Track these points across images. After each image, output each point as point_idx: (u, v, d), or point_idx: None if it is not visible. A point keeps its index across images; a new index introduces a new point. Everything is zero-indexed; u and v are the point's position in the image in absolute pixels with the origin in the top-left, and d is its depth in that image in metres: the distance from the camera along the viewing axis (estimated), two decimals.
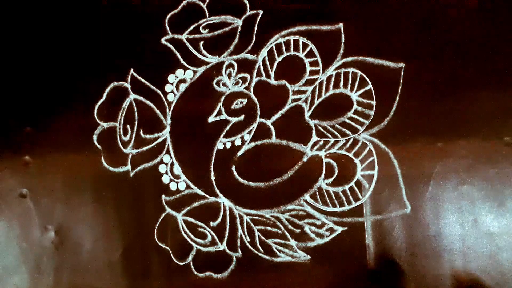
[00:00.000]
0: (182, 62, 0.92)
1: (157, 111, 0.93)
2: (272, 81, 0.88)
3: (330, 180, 0.84)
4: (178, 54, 0.92)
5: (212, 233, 0.89)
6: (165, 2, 0.93)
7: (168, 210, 0.91)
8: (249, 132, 0.88)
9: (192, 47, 0.92)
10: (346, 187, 0.84)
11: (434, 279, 0.80)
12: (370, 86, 0.84)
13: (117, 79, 0.95)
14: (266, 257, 0.87)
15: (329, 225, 0.84)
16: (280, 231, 0.86)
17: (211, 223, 0.89)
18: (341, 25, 0.86)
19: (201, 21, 0.92)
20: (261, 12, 0.89)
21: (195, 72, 0.92)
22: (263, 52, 0.89)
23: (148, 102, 0.94)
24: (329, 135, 0.85)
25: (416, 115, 0.82)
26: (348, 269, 0.83)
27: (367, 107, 0.84)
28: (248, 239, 0.87)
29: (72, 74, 0.98)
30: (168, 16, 0.93)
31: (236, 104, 0.89)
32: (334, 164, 0.84)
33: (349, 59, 0.85)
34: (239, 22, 0.90)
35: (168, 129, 0.93)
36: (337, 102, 0.85)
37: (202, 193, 0.90)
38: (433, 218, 0.81)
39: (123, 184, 0.93)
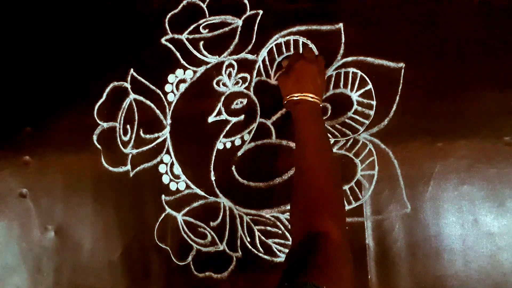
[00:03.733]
0: (182, 62, 0.92)
1: (157, 111, 0.93)
2: (272, 81, 0.88)
3: None
4: (178, 54, 0.92)
5: (212, 233, 0.89)
6: (165, 2, 0.93)
7: (168, 210, 0.91)
8: (249, 132, 0.88)
9: (192, 47, 0.92)
10: (346, 187, 0.83)
11: (434, 279, 0.80)
12: (370, 86, 0.84)
13: (117, 79, 0.95)
14: (266, 257, 0.87)
15: None
16: (280, 231, 0.86)
17: (211, 223, 0.89)
18: (341, 25, 0.86)
19: (201, 21, 0.92)
20: (261, 12, 0.89)
21: (195, 72, 0.92)
22: (263, 52, 0.89)
23: (148, 102, 0.94)
24: (329, 135, 0.85)
25: (416, 115, 0.82)
26: None
27: (367, 107, 0.84)
28: (248, 239, 0.87)
29: (72, 74, 0.98)
30: (168, 16, 0.93)
31: (236, 104, 0.89)
32: None
33: (349, 59, 0.85)
34: (239, 22, 0.90)
35: (168, 129, 0.93)
36: (337, 102, 0.85)
37: (202, 193, 0.90)
38: (433, 218, 0.81)
39: (123, 184, 0.93)
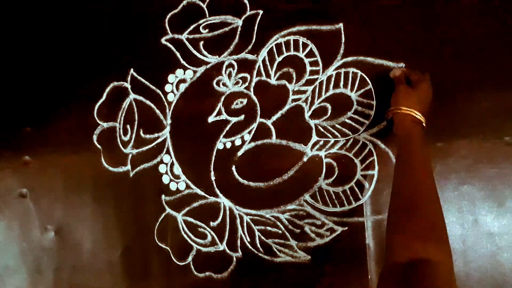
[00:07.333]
0: (182, 62, 0.92)
1: (157, 111, 0.93)
2: (272, 81, 0.88)
3: (330, 180, 0.84)
4: (178, 54, 0.92)
5: (212, 233, 0.89)
6: (165, 2, 0.93)
7: (168, 210, 0.91)
8: (249, 132, 0.88)
9: (192, 47, 0.92)
10: (346, 187, 0.84)
11: None
12: (370, 86, 0.84)
13: (117, 79, 0.95)
14: (266, 257, 0.87)
15: (329, 225, 0.84)
16: (280, 231, 0.86)
17: (211, 223, 0.89)
18: (341, 25, 0.86)
19: (201, 21, 0.92)
20: (261, 12, 0.89)
21: (195, 72, 0.92)
22: (263, 52, 0.89)
23: (148, 102, 0.94)
24: (329, 135, 0.85)
25: None
26: (348, 269, 0.83)
27: (367, 107, 0.84)
28: (248, 239, 0.87)
29: (72, 74, 0.98)
30: (168, 16, 0.93)
31: (236, 104, 0.89)
32: (334, 164, 0.84)
33: (349, 59, 0.85)
34: (239, 22, 0.90)
35: (168, 129, 0.93)
36: (337, 102, 0.85)
37: (202, 193, 0.90)
38: None
39: (123, 184, 0.93)
